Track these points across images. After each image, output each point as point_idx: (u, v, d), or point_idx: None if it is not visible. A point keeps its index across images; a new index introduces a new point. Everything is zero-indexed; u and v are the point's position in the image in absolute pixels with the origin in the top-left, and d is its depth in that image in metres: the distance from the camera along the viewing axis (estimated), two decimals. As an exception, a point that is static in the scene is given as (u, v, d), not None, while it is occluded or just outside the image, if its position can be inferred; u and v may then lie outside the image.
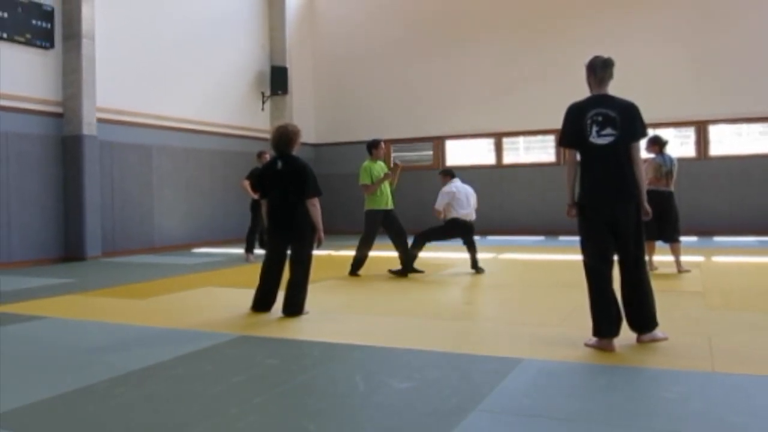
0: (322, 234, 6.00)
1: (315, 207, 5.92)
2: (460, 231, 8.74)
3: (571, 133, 4.54)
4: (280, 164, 5.94)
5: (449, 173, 9.09)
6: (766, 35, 13.67)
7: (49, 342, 5.08)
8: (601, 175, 4.44)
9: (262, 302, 5.96)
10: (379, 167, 8.70)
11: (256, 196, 11.07)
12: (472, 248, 8.74)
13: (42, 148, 10.96)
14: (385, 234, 8.71)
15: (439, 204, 8.72)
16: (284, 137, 5.97)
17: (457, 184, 8.82)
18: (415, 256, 8.58)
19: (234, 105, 15.24)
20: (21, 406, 3.44)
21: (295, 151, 6.05)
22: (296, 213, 5.88)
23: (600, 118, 4.42)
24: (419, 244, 8.63)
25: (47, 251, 11.00)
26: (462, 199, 8.70)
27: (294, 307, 5.82)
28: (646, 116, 4.58)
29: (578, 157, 4.57)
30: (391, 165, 9.06)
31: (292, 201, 5.88)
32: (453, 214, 8.67)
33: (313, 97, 17.97)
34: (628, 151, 4.46)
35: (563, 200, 4.71)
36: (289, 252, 5.99)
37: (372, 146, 8.81)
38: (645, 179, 4.79)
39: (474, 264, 8.65)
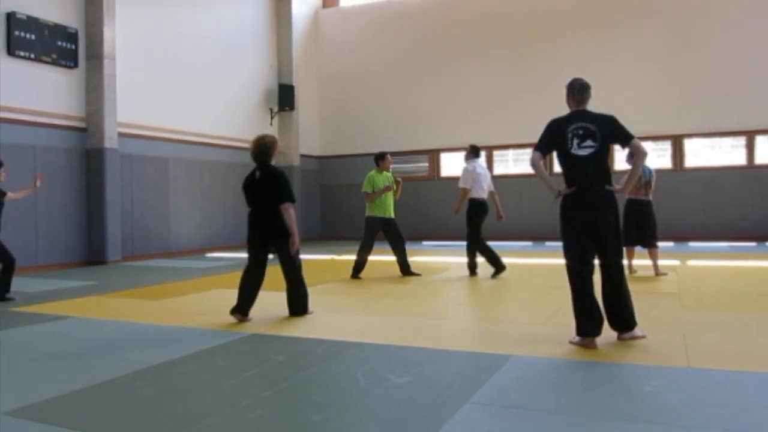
0: (296, 239, 5.72)
1: (288, 212, 5.64)
2: (484, 211, 8.49)
3: (548, 142, 4.58)
4: (258, 174, 5.80)
5: (477, 151, 8.76)
6: (736, 57, 13.72)
7: (73, 340, 5.09)
8: (582, 184, 4.45)
9: (240, 308, 5.65)
10: (384, 178, 8.73)
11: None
12: (487, 251, 8.47)
13: (67, 161, 10.98)
14: (385, 240, 8.73)
15: (467, 183, 8.43)
16: (262, 147, 5.82)
17: (478, 163, 8.65)
18: (474, 261, 8.54)
19: (244, 120, 15.26)
20: (48, 399, 3.45)
21: (274, 161, 5.90)
22: (275, 220, 5.68)
23: (580, 132, 4.44)
24: (474, 249, 8.50)
25: (72, 256, 11.01)
26: (480, 179, 8.49)
27: (299, 309, 5.82)
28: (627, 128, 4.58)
29: (560, 168, 4.60)
30: (396, 180, 8.89)
31: (270, 208, 5.69)
32: (472, 194, 8.43)
33: (318, 113, 18.01)
34: (606, 160, 4.49)
35: (550, 208, 4.74)
36: (272, 257, 5.85)
37: (379, 158, 8.84)
38: (628, 186, 4.78)
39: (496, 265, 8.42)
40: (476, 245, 8.52)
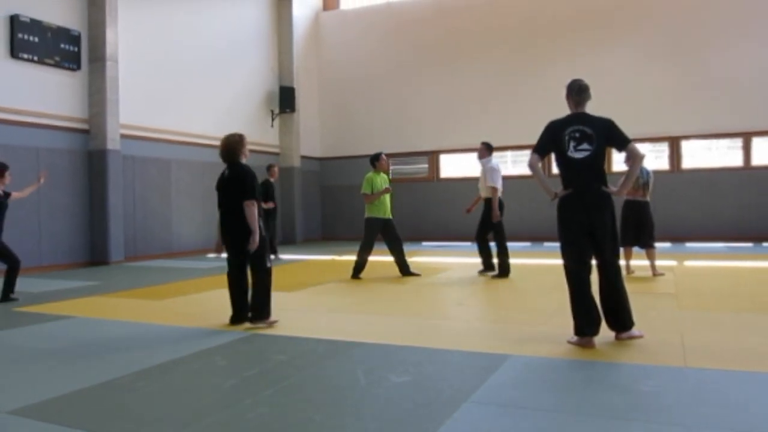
0: (257, 237, 5.40)
1: (249, 209, 5.37)
2: (502, 207, 8.42)
3: (546, 144, 4.59)
4: (226, 173, 5.60)
5: (491, 148, 8.69)
6: (733, 59, 13.72)
7: (76, 339, 5.09)
8: (579, 186, 4.46)
9: (237, 318, 5.55)
10: (381, 179, 8.73)
11: (265, 206, 11.14)
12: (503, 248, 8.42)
13: (70, 162, 10.99)
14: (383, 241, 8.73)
15: (497, 181, 8.34)
16: (228, 146, 5.59)
17: (496, 161, 8.62)
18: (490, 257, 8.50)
19: (246, 122, 15.26)
20: (51, 398, 3.46)
21: (244, 159, 5.64)
22: (240, 219, 5.43)
23: (577, 135, 4.45)
24: (485, 247, 8.50)
25: (75, 256, 11.02)
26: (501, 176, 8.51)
27: (253, 312, 5.41)
28: (625, 132, 4.59)
29: (557, 169, 4.61)
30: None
31: (238, 209, 5.43)
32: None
33: (319, 114, 18.01)
34: (603, 163, 4.50)
35: (547, 209, 4.74)
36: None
37: (375, 159, 8.85)
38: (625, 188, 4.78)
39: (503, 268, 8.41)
40: (486, 242, 8.57)
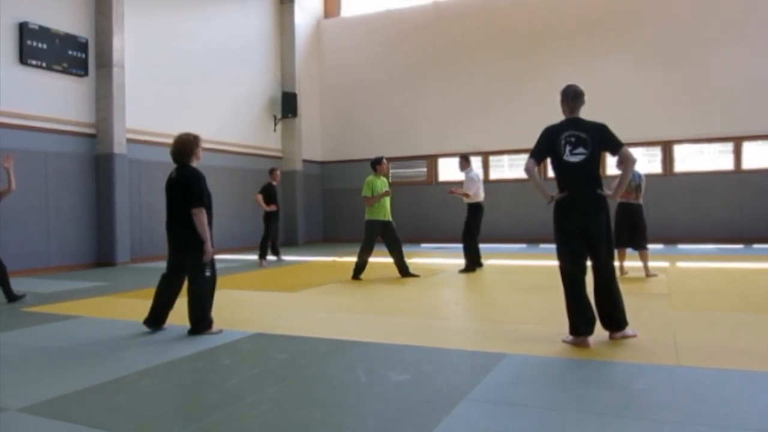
0: (209, 246, 5.13)
1: (197, 217, 5.03)
2: (482, 212, 9.21)
3: (542, 149, 4.59)
4: (173, 174, 5.22)
5: (468, 159, 9.48)
6: (725, 65, 13.73)
7: (83, 339, 5.08)
8: (574, 189, 4.47)
9: (153, 319, 5.24)
10: (381, 182, 8.73)
11: (268, 209, 11.14)
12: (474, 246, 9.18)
13: (77, 166, 10.99)
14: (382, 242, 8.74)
15: (472, 189, 9.11)
16: (180, 145, 5.21)
17: (477, 172, 9.42)
18: (478, 256, 9.18)
19: (249, 127, 15.28)
20: (59, 396, 3.46)
21: (196, 161, 5.26)
22: (187, 228, 5.08)
23: (573, 139, 4.46)
24: (472, 247, 9.10)
25: (82, 258, 11.01)
26: (480, 185, 9.31)
27: (194, 325, 5.07)
28: (618, 136, 4.60)
29: (552, 173, 4.62)
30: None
31: (177, 211, 5.11)
32: (475, 199, 9.15)
33: (320, 119, 18.02)
34: (597, 167, 4.50)
35: (543, 212, 4.74)
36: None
37: (376, 163, 8.85)
38: (619, 191, 4.78)
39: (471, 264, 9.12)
40: (473, 242, 9.14)
